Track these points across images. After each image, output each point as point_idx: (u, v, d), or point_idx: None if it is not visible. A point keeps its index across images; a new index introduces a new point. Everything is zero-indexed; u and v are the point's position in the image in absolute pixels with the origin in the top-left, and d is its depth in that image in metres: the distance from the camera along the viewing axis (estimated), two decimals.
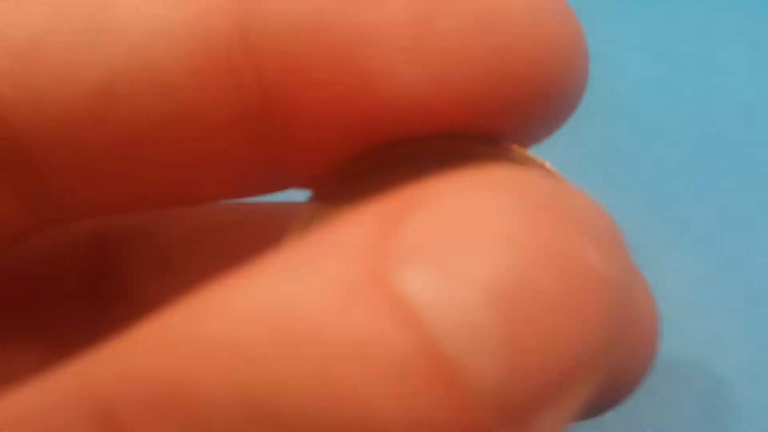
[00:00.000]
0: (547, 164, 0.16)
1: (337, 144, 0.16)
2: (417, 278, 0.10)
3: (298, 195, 0.18)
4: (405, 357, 0.10)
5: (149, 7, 0.15)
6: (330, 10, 0.14)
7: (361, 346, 0.10)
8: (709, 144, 0.34)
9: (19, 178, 0.16)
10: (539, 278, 0.11)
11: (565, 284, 0.11)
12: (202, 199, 0.19)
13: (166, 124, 0.16)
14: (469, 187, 0.11)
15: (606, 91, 0.35)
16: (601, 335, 0.12)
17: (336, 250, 0.11)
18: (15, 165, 0.16)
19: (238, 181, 0.18)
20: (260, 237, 0.15)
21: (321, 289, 0.10)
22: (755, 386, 0.28)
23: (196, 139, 0.16)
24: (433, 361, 0.10)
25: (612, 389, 0.18)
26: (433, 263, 0.11)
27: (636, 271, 0.14)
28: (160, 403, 0.10)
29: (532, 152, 0.17)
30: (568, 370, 0.11)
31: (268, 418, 0.10)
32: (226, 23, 0.15)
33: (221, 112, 0.16)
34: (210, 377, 0.10)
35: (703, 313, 0.30)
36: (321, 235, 0.11)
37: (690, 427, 0.27)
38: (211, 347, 0.10)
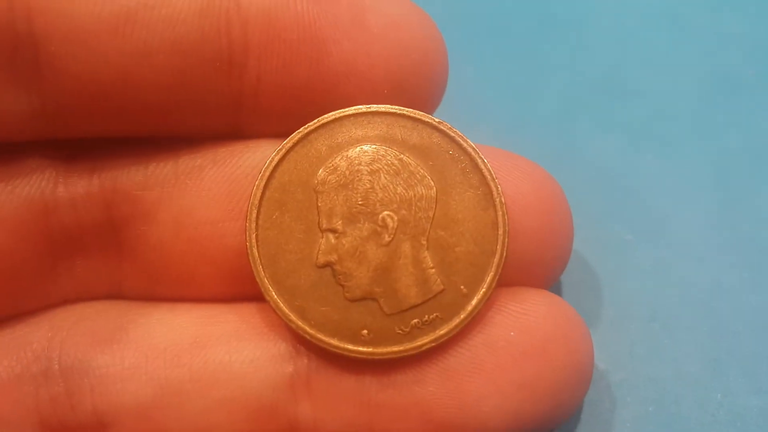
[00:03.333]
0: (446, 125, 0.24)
1: (296, 95, 0.23)
2: None
3: None
4: None
5: None
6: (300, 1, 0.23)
7: None
8: (718, 80, 0.32)
9: (32, 76, 0.22)
10: None
11: None
12: (178, 129, 0.24)
13: (165, 49, 0.22)
14: None
15: (608, 25, 0.33)
16: None
17: None
18: (28, 61, 0.21)
19: (209, 116, 0.24)
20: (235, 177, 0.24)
21: None
22: (760, 336, 0.27)
23: (186, 67, 0.22)
24: None
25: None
26: None
27: None
28: None
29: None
30: None
31: None
32: None
33: (210, 49, 0.22)
34: None
35: (707, 259, 0.28)
36: None
37: (690, 379, 0.26)
38: None
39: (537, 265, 0.24)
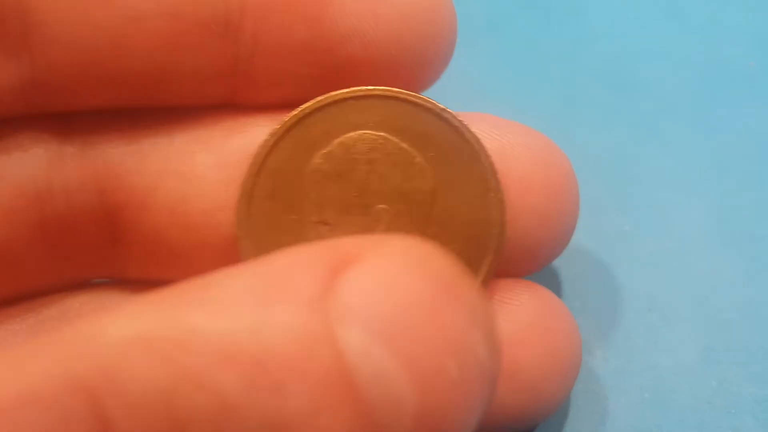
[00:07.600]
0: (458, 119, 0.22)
1: (295, 57, 0.22)
2: (354, 337, 0.14)
3: None
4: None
5: None
6: None
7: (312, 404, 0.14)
8: (717, 71, 0.32)
9: (20, 45, 0.21)
10: (444, 362, 0.14)
11: (462, 371, 0.14)
12: (172, 97, 0.23)
13: (158, 13, 0.21)
14: (393, 257, 0.15)
15: (608, 17, 0.34)
16: (479, 408, 0.15)
17: (289, 297, 0.14)
18: (17, 31, 0.20)
19: (204, 83, 0.22)
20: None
21: (282, 337, 0.14)
22: (757, 328, 0.27)
23: (180, 31, 0.21)
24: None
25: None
26: (366, 327, 0.14)
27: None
28: (151, 408, 0.13)
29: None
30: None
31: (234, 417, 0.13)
32: None
33: (205, 11, 0.21)
34: (195, 390, 0.13)
35: (705, 250, 0.28)
36: (272, 270, 0.15)
37: (687, 367, 0.26)
38: (197, 371, 0.13)
39: (537, 246, 0.23)
